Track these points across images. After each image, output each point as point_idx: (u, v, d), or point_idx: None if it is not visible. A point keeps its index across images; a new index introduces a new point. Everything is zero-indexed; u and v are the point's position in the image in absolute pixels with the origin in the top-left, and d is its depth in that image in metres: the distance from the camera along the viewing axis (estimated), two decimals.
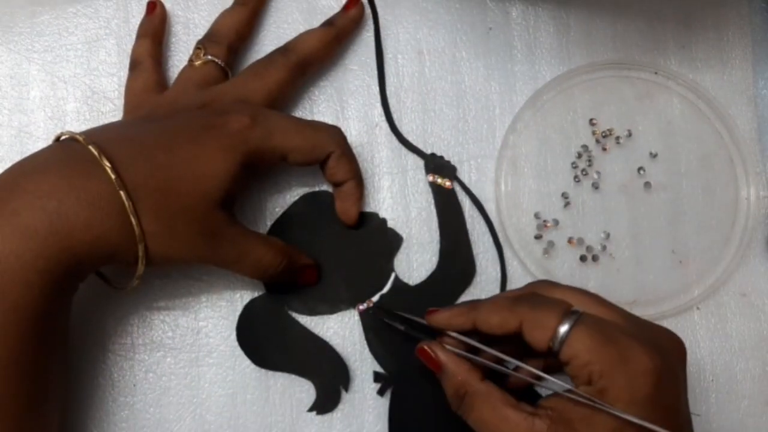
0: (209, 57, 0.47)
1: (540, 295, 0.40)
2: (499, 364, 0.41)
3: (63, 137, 0.41)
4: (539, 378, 0.39)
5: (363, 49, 0.51)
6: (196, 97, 0.45)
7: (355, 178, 0.47)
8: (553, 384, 0.39)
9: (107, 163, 0.38)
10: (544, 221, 0.49)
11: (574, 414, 0.36)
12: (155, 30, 0.50)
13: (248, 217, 0.49)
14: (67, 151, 0.40)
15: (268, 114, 0.44)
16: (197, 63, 0.47)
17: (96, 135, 0.41)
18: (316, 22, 0.51)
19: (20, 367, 0.37)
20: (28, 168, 0.39)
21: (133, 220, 0.38)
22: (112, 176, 0.38)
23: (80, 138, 0.39)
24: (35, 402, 0.39)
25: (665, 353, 0.37)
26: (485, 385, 0.39)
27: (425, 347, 0.42)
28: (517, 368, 0.41)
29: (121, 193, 0.38)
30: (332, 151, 0.45)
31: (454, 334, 0.42)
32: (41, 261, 0.37)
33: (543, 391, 0.42)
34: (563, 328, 0.37)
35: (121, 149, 0.39)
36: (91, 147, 0.38)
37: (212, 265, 0.44)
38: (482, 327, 0.40)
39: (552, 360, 0.38)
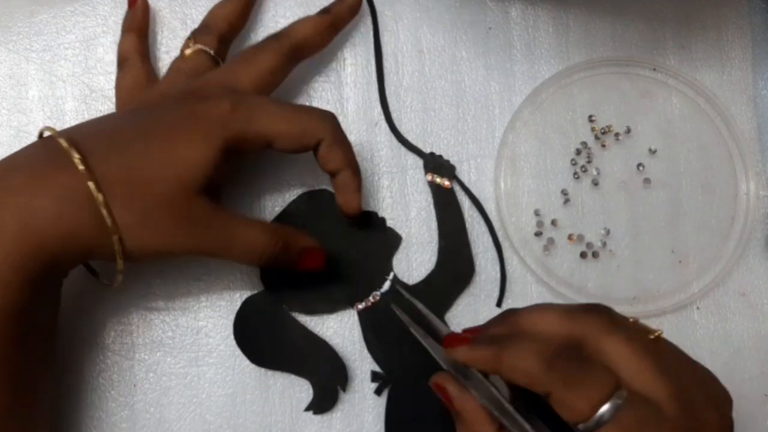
0: (199, 46, 0.46)
1: (582, 361, 0.36)
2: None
3: (43, 132, 0.40)
4: None
5: (362, 48, 0.51)
6: (184, 86, 0.45)
7: (350, 166, 0.44)
8: None
9: (76, 155, 0.37)
10: (552, 220, 0.49)
11: None
12: (138, 24, 0.49)
13: (246, 214, 0.49)
14: (43, 147, 0.39)
15: (251, 99, 0.42)
16: (187, 52, 0.46)
17: (75, 130, 0.40)
18: None
19: (2, 370, 0.37)
20: (4, 166, 0.39)
21: (103, 211, 0.37)
22: (80, 167, 0.37)
23: (52, 132, 0.39)
24: (19, 404, 0.38)
25: None
26: None
27: (440, 384, 0.40)
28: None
29: (90, 184, 0.37)
30: (323, 138, 0.43)
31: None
32: (15, 258, 0.36)
33: None
34: (596, 415, 0.34)
35: (96, 141, 0.39)
36: (60, 140, 0.38)
37: (202, 255, 0.42)
38: (507, 378, 0.37)
39: None
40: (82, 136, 0.39)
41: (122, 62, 0.48)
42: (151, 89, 0.46)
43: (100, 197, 0.37)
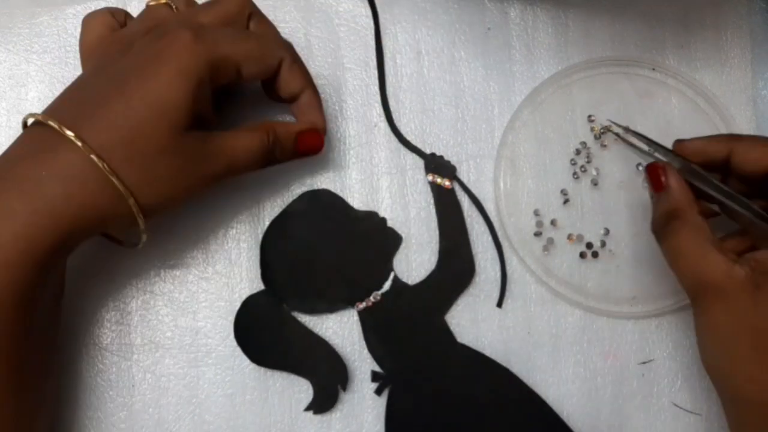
0: (164, 0, 0.45)
1: None
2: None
3: (28, 120, 0.41)
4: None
5: (362, 49, 0.51)
6: (140, 28, 0.44)
7: (311, 85, 0.46)
8: None
9: (69, 132, 0.38)
10: (551, 220, 0.49)
11: None
12: None
13: (246, 214, 0.49)
14: (33, 133, 0.40)
15: (211, 27, 0.42)
16: (151, 4, 0.46)
17: (54, 108, 0.41)
18: (315, 20, 0.51)
19: (3, 351, 0.37)
20: (2, 159, 0.40)
21: (113, 179, 0.38)
22: (78, 144, 0.37)
23: (40, 117, 0.39)
24: (20, 388, 0.38)
25: None
26: (700, 219, 0.40)
27: (657, 166, 0.42)
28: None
29: (92, 156, 0.38)
30: (283, 58, 0.44)
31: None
32: (23, 241, 0.37)
33: None
34: None
35: (78, 114, 0.39)
36: (50, 122, 0.38)
37: (211, 183, 0.43)
38: (738, 159, 0.41)
39: None
40: (62, 111, 0.40)
41: (85, 19, 0.46)
42: (109, 39, 0.45)
43: (105, 166, 0.38)
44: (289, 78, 0.45)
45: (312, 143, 0.46)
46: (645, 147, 0.45)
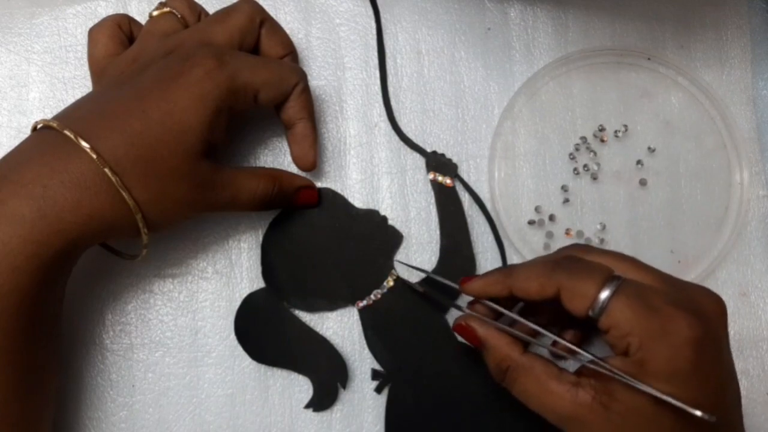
0: (168, 9, 0.46)
1: (579, 260, 0.40)
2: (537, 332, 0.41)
3: (39, 126, 0.41)
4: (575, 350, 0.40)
5: (362, 49, 0.51)
6: (158, 47, 0.44)
7: (312, 118, 0.47)
8: (589, 356, 0.39)
9: (85, 144, 0.38)
10: (550, 215, 0.50)
11: (617, 385, 0.36)
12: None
13: (247, 214, 0.49)
14: (44, 138, 0.40)
15: (232, 53, 0.43)
16: (155, 14, 0.46)
17: (69, 117, 0.41)
18: (315, 20, 0.51)
19: (8, 355, 0.37)
20: (10, 161, 0.39)
21: (124, 194, 0.39)
22: (93, 156, 0.38)
23: (54, 124, 0.39)
24: (25, 391, 0.39)
25: (706, 318, 0.37)
26: (527, 358, 0.40)
27: (463, 323, 0.42)
28: (554, 342, 0.41)
29: (106, 170, 0.38)
30: (297, 83, 0.45)
31: (488, 303, 0.43)
32: (30, 246, 0.37)
33: None
34: (603, 296, 0.37)
35: (95, 126, 0.39)
36: (66, 132, 0.38)
37: (212, 212, 0.45)
38: (519, 294, 0.40)
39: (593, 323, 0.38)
40: (78, 122, 0.39)
41: (91, 32, 0.46)
42: (122, 56, 0.45)
43: (117, 180, 0.38)
44: (294, 104, 0.46)
45: (309, 199, 0.48)
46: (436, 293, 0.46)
